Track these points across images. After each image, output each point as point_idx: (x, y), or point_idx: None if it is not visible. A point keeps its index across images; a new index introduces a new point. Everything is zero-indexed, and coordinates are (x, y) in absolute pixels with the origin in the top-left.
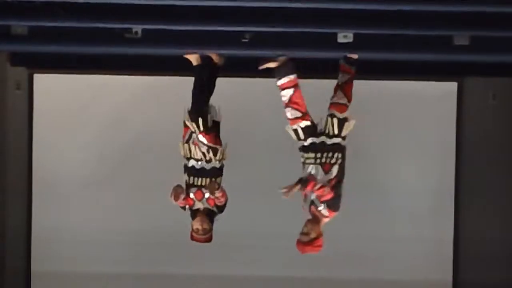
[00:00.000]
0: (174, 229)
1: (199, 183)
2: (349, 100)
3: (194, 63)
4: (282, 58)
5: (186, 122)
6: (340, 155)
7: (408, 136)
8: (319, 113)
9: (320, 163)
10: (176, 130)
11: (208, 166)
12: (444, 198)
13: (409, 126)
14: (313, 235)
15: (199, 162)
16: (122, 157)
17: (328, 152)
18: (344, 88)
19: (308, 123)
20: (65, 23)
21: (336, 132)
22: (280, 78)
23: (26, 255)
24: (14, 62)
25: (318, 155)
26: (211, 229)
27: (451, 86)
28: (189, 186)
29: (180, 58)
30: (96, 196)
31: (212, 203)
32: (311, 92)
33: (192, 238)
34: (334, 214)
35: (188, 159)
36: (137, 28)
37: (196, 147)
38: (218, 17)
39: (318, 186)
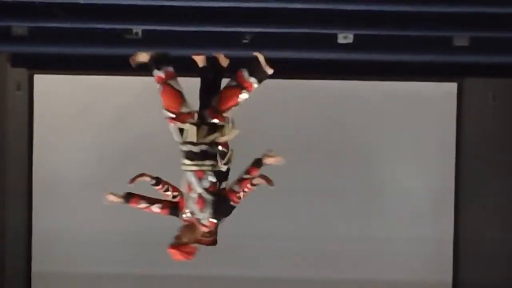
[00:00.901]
0: (174, 230)
1: None
2: (220, 106)
3: (200, 64)
4: (154, 52)
5: None
6: (213, 162)
7: (408, 136)
8: (318, 114)
9: (192, 170)
10: None
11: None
12: (444, 198)
13: (409, 126)
14: (184, 240)
15: None
16: (122, 157)
17: (200, 159)
18: (224, 92)
19: (186, 125)
20: (65, 24)
21: (202, 139)
22: (152, 71)
23: (26, 256)
24: (15, 63)
25: (194, 162)
26: (216, 232)
27: (451, 87)
28: None
29: (180, 59)
30: (96, 197)
31: None
32: (311, 93)
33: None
34: (214, 223)
35: None
36: (138, 29)
37: None
38: (218, 18)
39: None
